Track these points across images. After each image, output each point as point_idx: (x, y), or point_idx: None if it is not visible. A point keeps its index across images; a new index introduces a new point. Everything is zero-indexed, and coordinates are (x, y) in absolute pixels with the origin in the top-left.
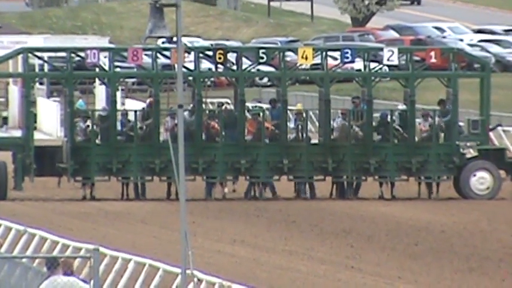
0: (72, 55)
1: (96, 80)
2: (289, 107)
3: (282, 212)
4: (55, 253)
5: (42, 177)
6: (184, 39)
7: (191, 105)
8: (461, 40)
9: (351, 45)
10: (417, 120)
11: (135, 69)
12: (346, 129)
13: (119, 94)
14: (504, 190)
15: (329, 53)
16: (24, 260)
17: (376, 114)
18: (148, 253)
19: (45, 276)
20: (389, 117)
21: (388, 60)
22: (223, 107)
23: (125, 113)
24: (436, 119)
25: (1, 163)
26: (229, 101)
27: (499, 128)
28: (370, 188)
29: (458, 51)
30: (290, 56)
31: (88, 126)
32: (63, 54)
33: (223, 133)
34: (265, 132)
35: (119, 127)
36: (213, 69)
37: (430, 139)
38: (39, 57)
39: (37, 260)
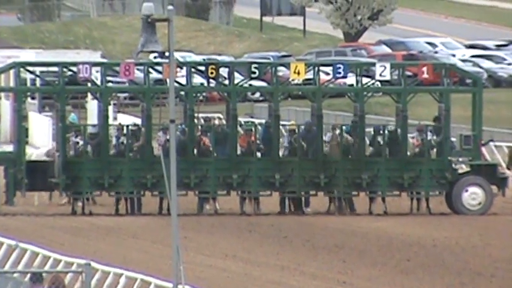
0: (64, 70)
1: (88, 94)
2: (281, 122)
3: (274, 227)
4: (46, 268)
5: (33, 191)
6: (177, 54)
7: (181, 126)
8: (454, 55)
9: (343, 60)
10: (411, 134)
11: (127, 84)
12: (337, 139)
13: (111, 109)
14: (496, 205)
15: (321, 68)
16: (15, 275)
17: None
18: (139, 268)
19: None
20: (381, 131)
21: (380, 75)
22: (214, 122)
23: (121, 128)
24: (429, 134)
25: None
26: (221, 115)
27: (491, 144)
28: (362, 204)
29: (451, 67)
30: (282, 71)
31: (77, 142)
32: (55, 68)
33: (215, 148)
34: (252, 146)
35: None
36: (205, 84)
37: (422, 154)
38: (31, 72)
39: (28, 275)
